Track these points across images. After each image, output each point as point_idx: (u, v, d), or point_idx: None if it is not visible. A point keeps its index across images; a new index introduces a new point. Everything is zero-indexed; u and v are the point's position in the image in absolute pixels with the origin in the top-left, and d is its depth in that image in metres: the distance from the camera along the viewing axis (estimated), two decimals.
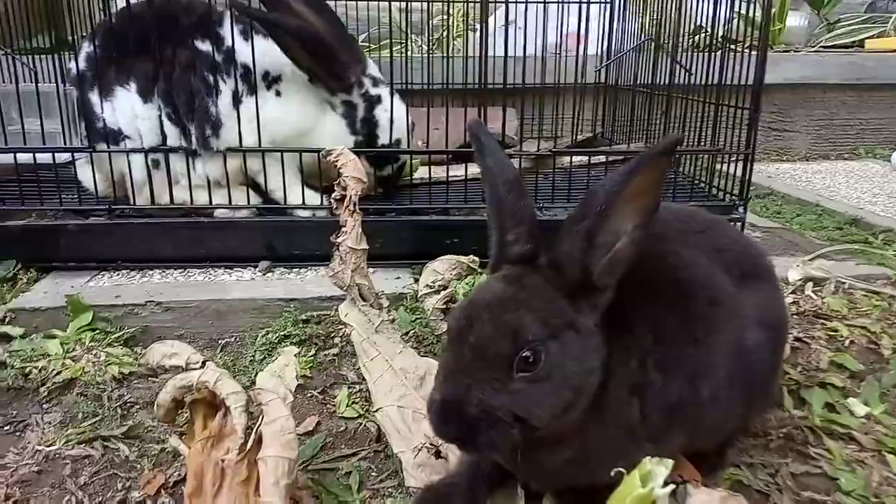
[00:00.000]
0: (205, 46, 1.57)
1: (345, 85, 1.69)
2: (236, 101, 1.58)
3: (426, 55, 2.50)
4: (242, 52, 1.59)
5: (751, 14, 1.86)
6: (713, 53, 1.72)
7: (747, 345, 0.93)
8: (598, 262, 0.73)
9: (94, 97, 1.55)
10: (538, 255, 0.78)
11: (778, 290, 1.08)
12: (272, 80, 1.64)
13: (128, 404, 1.22)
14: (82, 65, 1.59)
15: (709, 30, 1.82)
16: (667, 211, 1.05)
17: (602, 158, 2.06)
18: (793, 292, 1.57)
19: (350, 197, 1.25)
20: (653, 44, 2.00)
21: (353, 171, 1.26)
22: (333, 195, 1.28)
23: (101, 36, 1.57)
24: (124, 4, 2.14)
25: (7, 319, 1.41)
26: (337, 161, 1.28)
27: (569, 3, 2.08)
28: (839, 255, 1.81)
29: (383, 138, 1.75)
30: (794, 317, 1.48)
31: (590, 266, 0.73)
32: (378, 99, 1.73)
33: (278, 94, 1.65)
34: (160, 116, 1.57)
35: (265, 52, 1.62)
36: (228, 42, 1.58)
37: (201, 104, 1.56)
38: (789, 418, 1.16)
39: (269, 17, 1.56)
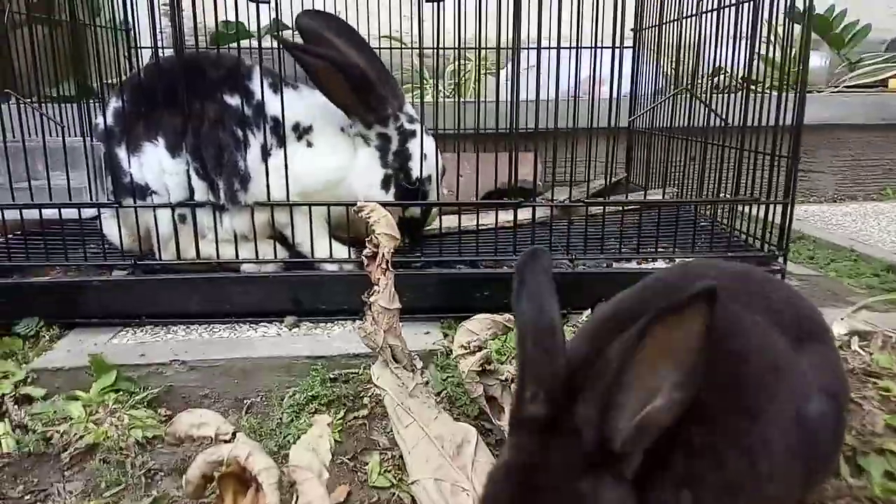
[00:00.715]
0: (234, 100, 1.56)
1: (382, 117, 1.67)
2: (265, 154, 1.57)
3: (451, 100, 2.51)
4: (272, 104, 1.57)
5: (771, 55, 1.84)
6: (746, 98, 1.68)
7: (810, 415, 0.87)
8: (619, 429, 0.66)
9: (122, 152, 1.54)
10: (556, 418, 0.70)
11: (836, 353, 1.02)
12: (303, 132, 1.63)
13: (152, 472, 1.18)
14: (110, 120, 1.58)
15: (729, 71, 1.80)
16: (719, 270, 1.01)
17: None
18: (839, 348, 1.51)
19: (382, 254, 1.21)
20: (683, 90, 1.96)
21: (386, 228, 1.23)
22: (365, 252, 1.25)
23: (129, 91, 1.56)
24: (150, 52, 2.16)
25: (29, 380, 1.38)
26: (369, 217, 1.25)
27: (584, 48, 2.07)
28: (882, 305, 1.75)
29: (414, 172, 1.72)
30: None
31: (609, 435, 0.66)
32: (412, 133, 1.72)
33: (309, 144, 1.63)
34: (188, 171, 1.55)
35: (295, 104, 1.61)
36: (258, 95, 1.57)
37: (230, 159, 1.54)
38: (847, 488, 1.10)
39: (314, 49, 1.55)
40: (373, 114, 1.66)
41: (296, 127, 1.62)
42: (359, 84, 1.59)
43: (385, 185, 1.72)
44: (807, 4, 1.64)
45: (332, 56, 1.55)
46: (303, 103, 1.65)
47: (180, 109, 1.52)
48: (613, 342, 0.66)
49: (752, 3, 1.69)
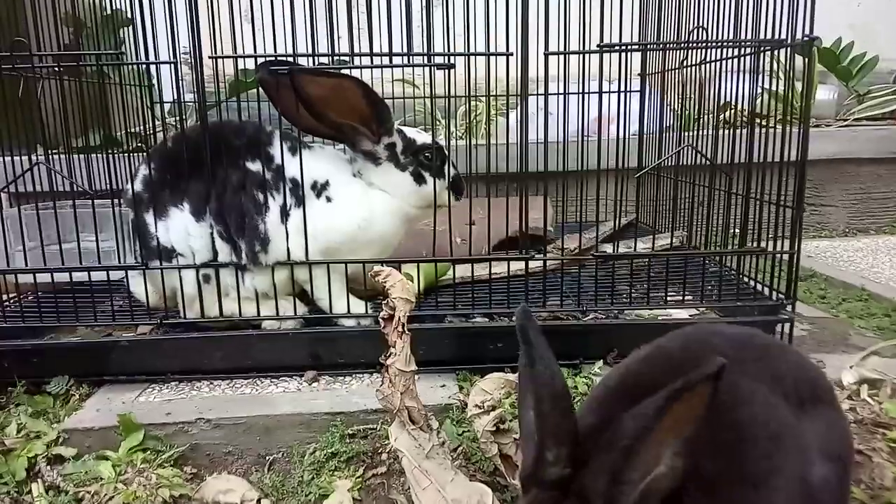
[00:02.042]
0: (255, 167, 1.63)
1: (388, 127, 1.74)
2: (284, 215, 1.62)
3: (463, 142, 2.57)
4: (290, 167, 1.64)
5: (776, 88, 1.86)
6: (751, 137, 1.70)
7: (813, 481, 0.90)
8: (625, 498, 0.70)
9: (149, 217, 1.61)
10: (574, 480, 0.75)
11: (839, 412, 1.05)
12: (321, 188, 1.69)
13: None
14: (138, 187, 1.66)
15: (737, 107, 1.82)
16: (722, 337, 1.04)
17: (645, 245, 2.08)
18: (848, 397, 1.53)
19: (399, 318, 1.26)
20: (688, 146, 2.00)
21: (402, 293, 1.28)
22: (382, 314, 1.29)
23: (156, 159, 1.64)
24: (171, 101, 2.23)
25: (61, 440, 1.43)
26: (385, 282, 1.30)
27: (592, 93, 2.12)
28: (892, 349, 1.77)
29: (424, 142, 1.79)
30: (853, 425, 1.44)
31: (614, 502, 0.70)
32: (401, 129, 1.80)
33: (328, 199, 1.69)
34: (212, 234, 1.62)
35: (311, 163, 1.67)
36: (277, 160, 1.64)
37: (251, 222, 1.61)
38: None
39: (334, 71, 1.61)
40: (384, 126, 1.72)
41: (314, 185, 1.67)
42: (374, 96, 1.65)
43: (419, 179, 1.77)
44: (804, 44, 1.63)
45: (341, 73, 1.61)
46: (317, 161, 1.71)
47: (205, 176, 1.59)
48: (625, 416, 0.70)
49: (752, 56, 1.74)
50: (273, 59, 1.55)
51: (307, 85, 1.56)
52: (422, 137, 1.80)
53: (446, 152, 1.82)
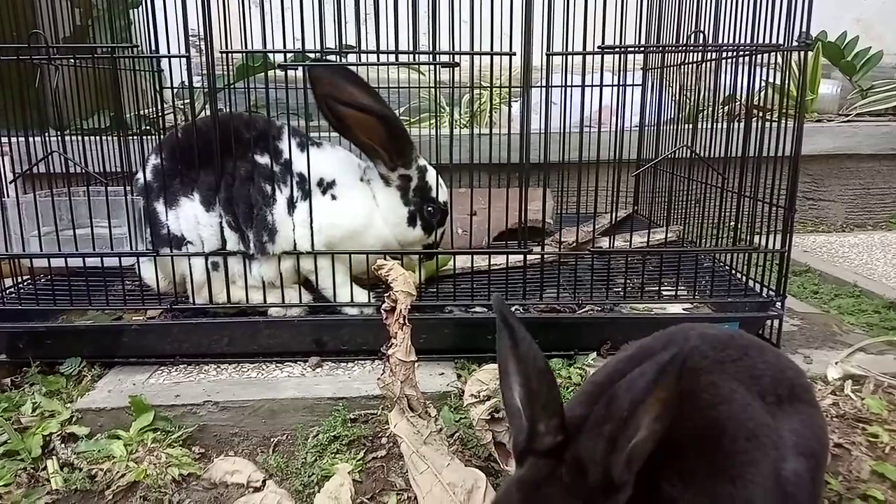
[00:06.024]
0: (263, 160, 1.68)
1: (406, 160, 1.79)
2: (291, 208, 1.68)
3: (466, 132, 2.61)
4: (298, 162, 1.69)
5: (776, 81, 1.89)
6: (746, 134, 1.72)
7: (785, 476, 0.96)
8: (618, 462, 0.76)
9: (160, 206, 1.66)
10: (566, 448, 0.81)
11: (816, 410, 1.10)
12: (327, 186, 1.74)
13: None
14: (149, 176, 1.71)
15: (740, 99, 1.85)
16: (703, 339, 1.09)
17: (641, 239, 2.13)
18: (832, 392, 1.59)
19: (400, 311, 1.32)
20: (684, 147, 2.05)
21: (403, 286, 1.34)
22: (384, 306, 1.35)
23: (167, 149, 1.69)
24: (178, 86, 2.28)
25: (74, 419, 1.49)
26: (388, 275, 1.36)
27: (594, 86, 2.15)
28: (878, 347, 1.82)
29: (440, 196, 1.86)
30: (835, 419, 1.50)
31: (611, 467, 0.76)
32: (425, 168, 1.84)
33: (333, 197, 1.74)
34: (221, 224, 1.68)
35: (320, 161, 1.73)
36: (286, 154, 1.69)
37: (259, 213, 1.66)
38: None
39: (355, 101, 1.64)
40: (402, 158, 1.77)
41: (320, 182, 1.72)
42: (396, 132, 1.70)
43: (411, 221, 1.83)
44: (800, 48, 1.65)
45: (373, 106, 1.65)
46: (326, 160, 1.76)
47: (215, 167, 1.64)
48: (619, 390, 0.77)
49: (751, 56, 1.77)
50: (321, 56, 1.61)
51: (336, 108, 1.62)
52: (437, 191, 1.85)
53: (448, 209, 1.89)
